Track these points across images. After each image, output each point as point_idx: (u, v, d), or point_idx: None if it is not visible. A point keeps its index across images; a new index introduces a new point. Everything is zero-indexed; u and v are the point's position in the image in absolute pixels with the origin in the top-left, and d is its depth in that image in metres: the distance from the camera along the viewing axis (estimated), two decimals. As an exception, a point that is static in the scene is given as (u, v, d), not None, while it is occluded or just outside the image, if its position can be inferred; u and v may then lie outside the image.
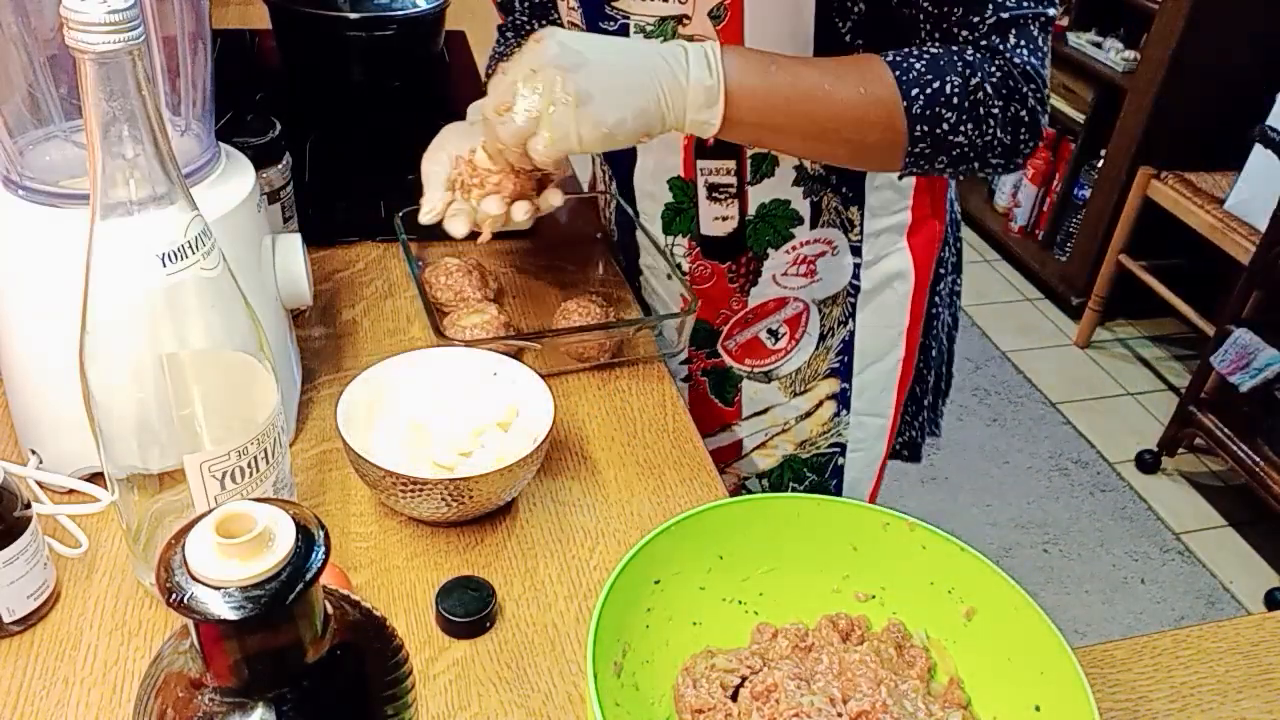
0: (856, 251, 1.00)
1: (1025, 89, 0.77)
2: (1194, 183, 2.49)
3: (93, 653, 0.63)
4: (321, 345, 0.93)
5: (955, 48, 0.77)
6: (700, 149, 0.94)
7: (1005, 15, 0.76)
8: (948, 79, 0.75)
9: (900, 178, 0.96)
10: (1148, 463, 2.45)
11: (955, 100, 0.76)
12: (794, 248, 0.99)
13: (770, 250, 0.99)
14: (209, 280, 0.56)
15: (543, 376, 0.79)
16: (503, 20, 1.08)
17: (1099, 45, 2.82)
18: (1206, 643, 0.72)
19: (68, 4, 0.47)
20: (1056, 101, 3.02)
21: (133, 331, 0.55)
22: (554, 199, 0.85)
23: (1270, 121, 2.23)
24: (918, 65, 0.76)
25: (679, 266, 1.01)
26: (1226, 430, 2.23)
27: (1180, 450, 2.46)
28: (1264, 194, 2.24)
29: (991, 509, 2.32)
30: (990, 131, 0.77)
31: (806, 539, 0.65)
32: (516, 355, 0.84)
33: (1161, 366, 2.85)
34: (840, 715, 0.58)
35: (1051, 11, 0.77)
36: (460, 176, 0.84)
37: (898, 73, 0.75)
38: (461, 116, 1.11)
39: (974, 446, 2.49)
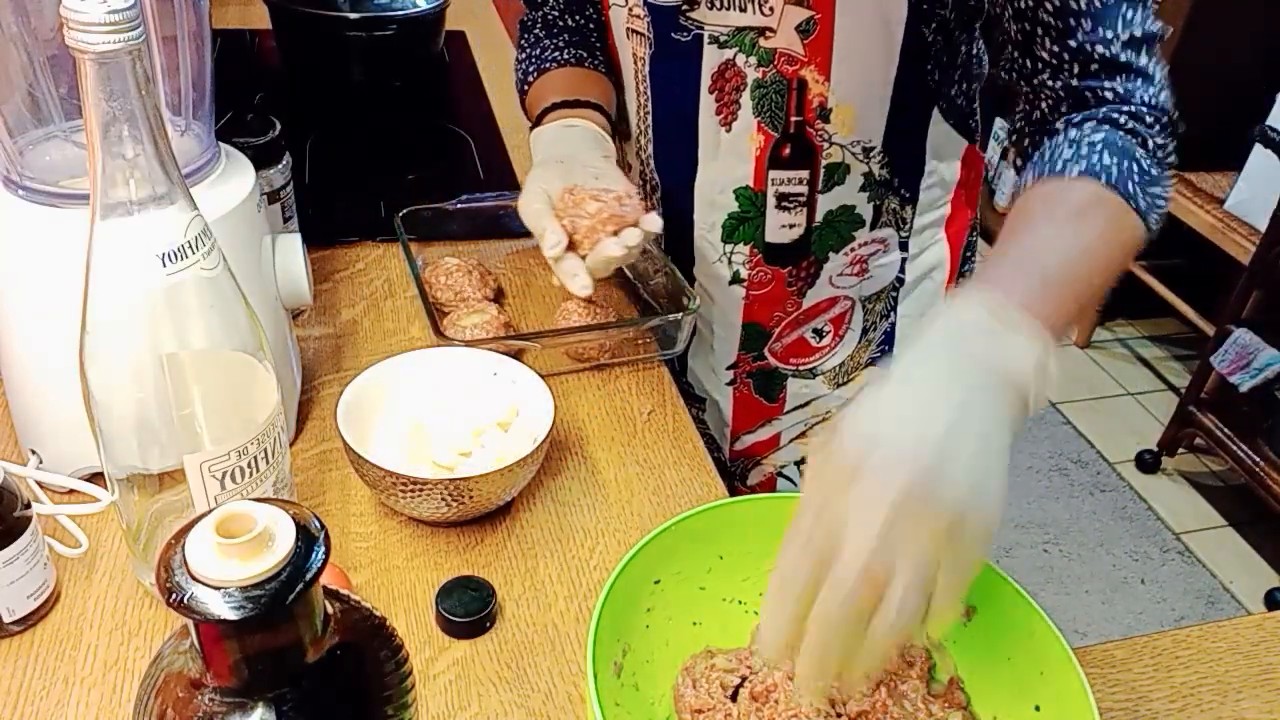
0: (904, 247, 1.02)
1: (1165, 104, 0.76)
2: (1194, 183, 2.49)
3: (93, 653, 0.63)
4: (321, 345, 0.93)
5: (1105, 118, 0.74)
6: (774, 159, 0.92)
7: (1138, 33, 0.74)
8: (1135, 157, 0.72)
9: None
10: (1148, 463, 2.45)
11: (1148, 165, 0.73)
12: (853, 249, 0.99)
13: (831, 254, 0.99)
14: (209, 280, 0.56)
15: (543, 376, 0.79)
16: (526, 15, 1.05)
17: (1099, 45, 2.82)
18: (1206, 643, 0.72)
19: (68, 4, 0.47)
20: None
21: (133, 331, 0.55)
22: (654, 224, 0.84)
23: (1270, 121, 2.23)
24: (1104, 159, 0.71)
25: (736, 274, 1.01)
26: (1226, 430, 2.23)
27: (1180, 450, 2.46)
28: (1264, 194, 2.24)
29: (991, 509, 2.32)
30: (1169, 157, 0.76)
31: (806, 539, 0.65)
32: (516, 355, 0.84)
33: (1161, 366, 2.85)
34: (840, 715, 0.58)
35: (1165, 29, 0.76)
36: (569, 228, 0.83)
37: (1104, 179, 0.69)
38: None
39: (974, 446, 2.49)
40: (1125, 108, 0.75)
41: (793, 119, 0.89)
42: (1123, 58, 0.75)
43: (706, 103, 0.92)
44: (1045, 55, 0.77)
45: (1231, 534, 2.32)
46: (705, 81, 0.91)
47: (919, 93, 0.89)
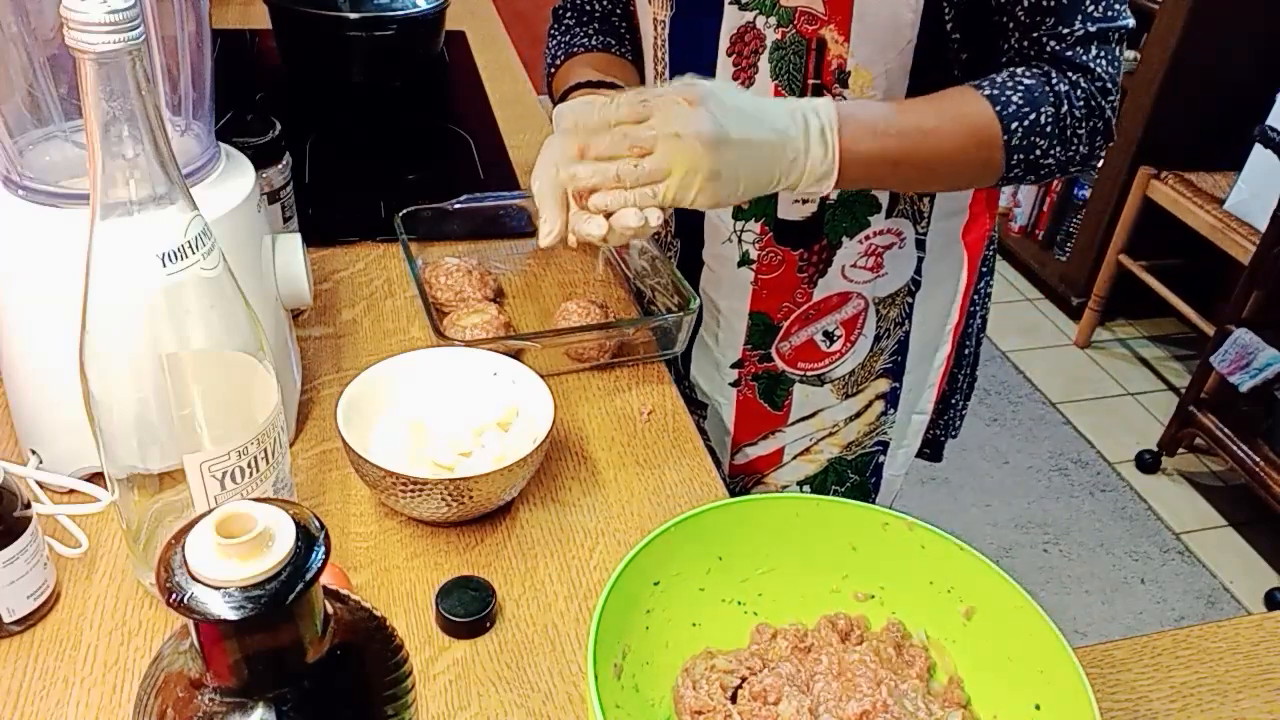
0: (921, 245, 1.00)
1: (1104, 102, 0.83)
2: (1194, 183, 2.49)
3: (93, 653, 0.63)
4: (321, 345, 0.93)
5: (1045, 73, 0.82)
6: None
7: (1092, 28, 0.81)
8: (1043, 110, 0.81)
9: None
10: (1148, 463, 2.45)
11: (1049, 129, 0.81)
12: (867, 237, 0.98)
13: (845, 239, 0.98)
14: (209, 280, 0.56)
15: (543, 376, 0.79)
16: (559, 3, 1.07)
17: (1099, 45, 2.82)
18: (1206, 643, 0.72)
19: (68, 4, 0.47)
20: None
21: (133, 331, 0.55)
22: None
23: (1270, 121, 2.23)
24: (1015, 98, 0.81)
25: (746, 255, 1.00)
26: (1226, 430, 2.23)
27: (1180, 450, 2.46)
28: (1264, 194, 2.24)
29: (991, 509, 2.32)
30: (1074, 148, 0.83)
31: (806, 539, 0.65)
32: (516, 355, 0.84)
33: (1161, 366, 2.85)
34: (840, 715, 0.58)
35: (1130, 23, 0.83)
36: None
37: (997, 107, 0.80)
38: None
39: (974, 446, 2.49)
40: (1066, 71, 0.82)
41: (810, 81, 0.88)
42: (1068, 54, 0.82)
43: (724, 65, 0.91)
44: (1013, 45, 0.84)
45: (1231, 534, 2.32)
46: (724, 43, 0.90)
47: (940, 69, 0.87)
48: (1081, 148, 0.84)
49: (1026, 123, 0.81)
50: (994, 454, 2.48)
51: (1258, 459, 2.16)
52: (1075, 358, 2.86)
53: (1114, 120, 0.84)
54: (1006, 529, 2.27)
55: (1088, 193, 2.87)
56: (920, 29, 0.84)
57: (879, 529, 0.64)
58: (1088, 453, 2.51)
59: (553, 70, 1.03)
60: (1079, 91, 0.81)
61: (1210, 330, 2.33)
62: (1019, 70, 0.83)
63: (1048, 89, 0.81)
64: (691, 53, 0.93)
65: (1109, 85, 0.83)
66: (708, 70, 0.92)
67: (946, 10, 0.83)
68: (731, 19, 0.88)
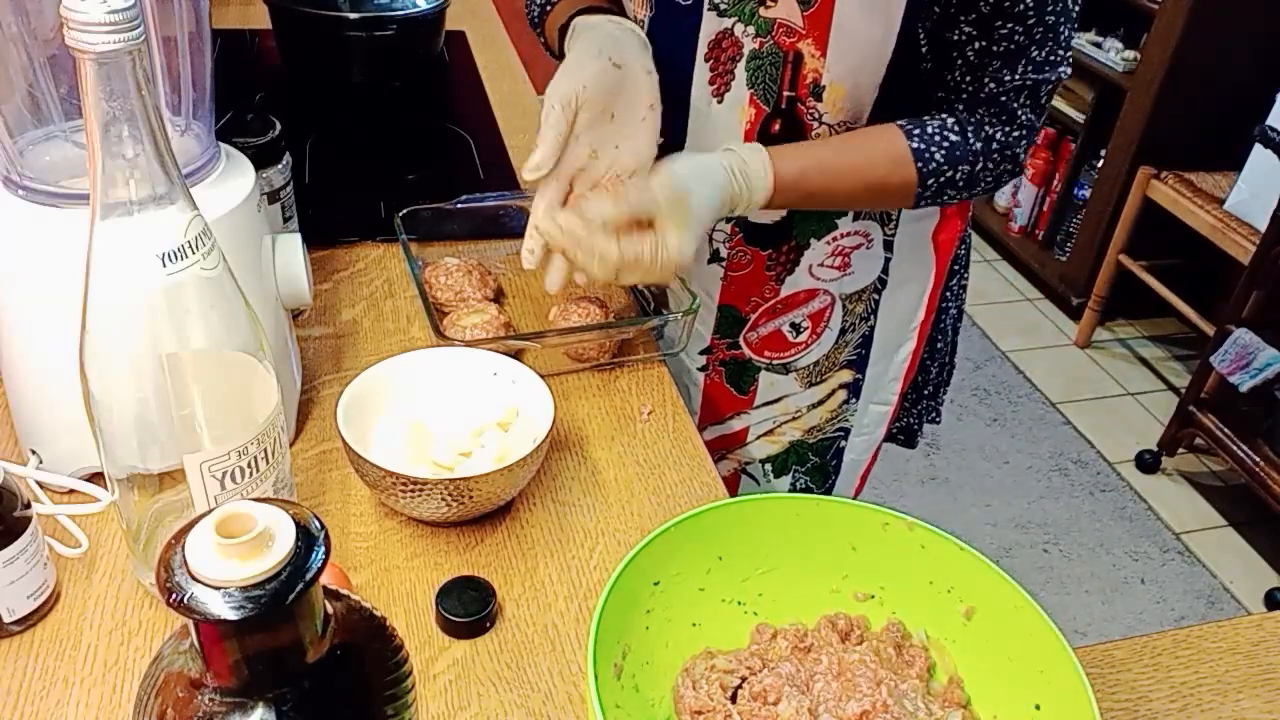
0: (889, 246, 1.02)
1: (1018, 150, 0.89)
2: (1194, 183, 2.49)
3: (93, 653, 0.63)
4: (321, 345, 0.93)
5: (964, 129, 0.87)
6: (763, 135, 0.92)
7: (1029, 80, 0.85)
8: (960, 168, 0.88)
9: None
10: (1148, 463, 2.45)
11: (960, 181, 0.89)
12: (835, 238, 0.99)
13: (813, 240, 0.99)
14: (209, 280, 0.56)
15: (543, 376, 0.79)
16: None
17: (1099, 45, 2.81)
18: (1206, 643, 0.72)
19: (68, 4, 0.47)
20: (1057, 101, 3.01)
21: (133, 331, 0.55)
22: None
23: (1270, 121, 2.23)
24: (938, 155, 0.87)
25: (716, 252, 1.01)
26: (1226, 430, 2.23)
27: (1180, 450, 2.46)
28: (1264, 194, 2.24)
29: (991, 509, 2.32)
30: (979, 187, 0.91)
31: (805, 539, 0.65)
32: (516, 355, 0.84)
33: (1161, 366, 2.85)
34: (840, 715, 0.58)
35: (1066, 72, 0.86)
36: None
37: (919, 163, 0.87)
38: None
39: (974, 446, 2.49)
40: (992, 117, 0.88)
41: (785, 94, 0.89)
42: (1001, 98, 0.86)
43: (700, 71, 0.91)
44: (954, 79, 0.87)
45: (1231, 534, 2.32)
46: (701, 49, 0.90)
47: (912, 85, 0.88)
48: (988, 187, 0.91)
49: (942, 179, 0.87)
50: (994, 454, 2.48)
51: (1258, 459, 2.16)
52: (1075, 358, 2.86)
53: (1024, 159, 0.91)
54: (1006, 529, 2.27)
55: (1088, 193, 2.87)
56: (895, 50, 0.85)
57: (879, 529, 0.64)
58: (1088, 453, 2.51)
59: (548, 8, 0.99)
60: (994, 145, 0.87)
61: (1210, 330, 2.33)
62: (949, 121, 0.88)
63: (967, 147, 0.87)
64: (669, 56, 0.92)
65: (1026, 134, 0.88)
66: (684, 73, 0.92)
67: (921, 37, 0.84)
68: (710, 24, 0.89)
